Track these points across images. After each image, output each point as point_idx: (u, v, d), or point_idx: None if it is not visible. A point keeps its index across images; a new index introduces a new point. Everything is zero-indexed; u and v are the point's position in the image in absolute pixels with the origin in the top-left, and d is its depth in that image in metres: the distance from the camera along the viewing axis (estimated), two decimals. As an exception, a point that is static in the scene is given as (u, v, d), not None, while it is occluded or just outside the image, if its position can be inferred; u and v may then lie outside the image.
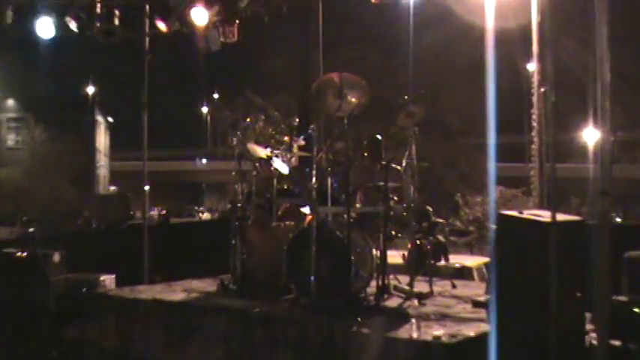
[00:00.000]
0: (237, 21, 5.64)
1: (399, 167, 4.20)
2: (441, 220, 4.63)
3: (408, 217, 4.14)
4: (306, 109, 6.60)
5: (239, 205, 4.49)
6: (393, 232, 4.27)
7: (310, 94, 4.42)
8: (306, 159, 4.50)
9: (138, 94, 5.78)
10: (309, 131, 4.15)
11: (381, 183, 4.08)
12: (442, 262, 4.53)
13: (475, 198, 10.36)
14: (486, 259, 5.62)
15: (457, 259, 5.55)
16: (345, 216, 3.87)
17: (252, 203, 4.50)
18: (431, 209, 4.54)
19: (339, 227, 3.93)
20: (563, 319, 2.91)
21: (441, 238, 4.36)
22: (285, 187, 4.56)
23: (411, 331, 3.24)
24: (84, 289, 4.89)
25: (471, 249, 9.10)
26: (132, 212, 6.66)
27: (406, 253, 4.28)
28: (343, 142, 4.03)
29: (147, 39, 5.80)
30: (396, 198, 4.26)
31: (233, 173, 4.53)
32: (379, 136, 4.24)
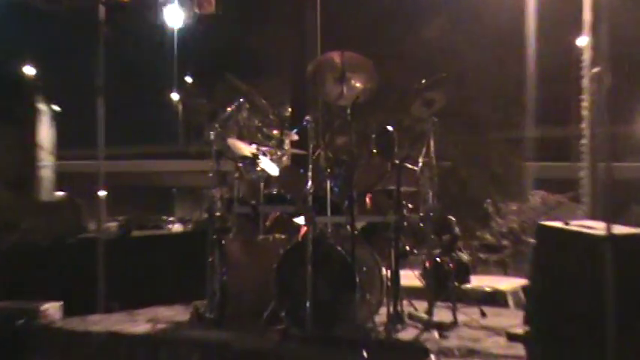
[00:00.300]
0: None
1: (414, 167, 4.24)
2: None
3: (426, 229, 4.17)
4: (301, 96, 6.64)
5: (218, 214, 4.52)
6: (408, 248, 4.30)
7: (305, 77, 4.46)
8: (301, 157, 4.54)
9: (91, 76, 5.79)
10: (305, 123, 4.18)
11: (393, 187, 4.12)
12: (469, 285, 4.56)
13: (510, 205, 10.40)
14: (524, 282, 5.65)
15: (488, 281, 5.58)
16: (349, 227, 3.90)
17: (234, 212, 4.53)
18: (454, 219, 4.57)
19: (340, 241, 3.96)
20: (624, 359, 2.92)
21: (463, 255, 4.39)
22: (275, 192, 4.59)
23: (429, 369, 3.27)
24: (21, 321, 4.88)
25: (504, 268, 9.13)
26: (83, 223, 6.66)
27: (423, 272, 4.31)
28: (346, 136, 4.07)
29: (101, 8, 5.82)
30: (410, 205, 4.30)
31: (210, 175, 4.56)
32: (390, 129, 4.27)
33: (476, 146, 11.87)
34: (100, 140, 5.66)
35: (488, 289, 5.37)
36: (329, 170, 4.21)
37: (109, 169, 5.81)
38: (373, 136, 4.28)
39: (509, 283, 5.76)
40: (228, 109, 4.69)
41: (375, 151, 4.26)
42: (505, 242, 9.78)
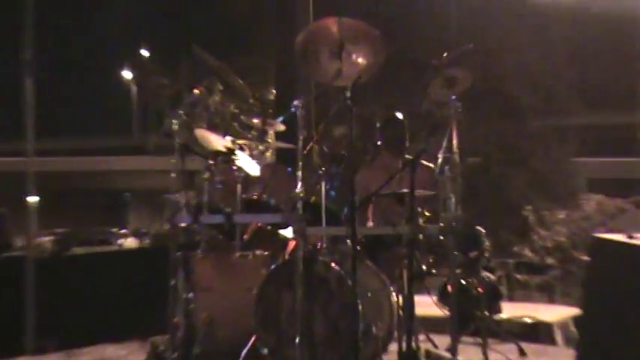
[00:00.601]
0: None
1: (432, 165, 4.27)
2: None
3: (448, 243, 4.20)
4: (288, 75, 6.68)
5: (183, 225, 4.53)
6: (424, 267, 4.33)
7: (294, 51, 4.48)
8: (288, 153, 4.56)
9: (17, 50, 5.80)
10: (293, 109, 4.21)
11: (405, 189, 4.15)
12: (503, 315, 4.59)
13: (556, 213, 10.45)
14: (575, 311, 5.69)
15: (528, 310, 5.62)
16: (349, 241, 3.92)
17: (204, 222, 4.55)
18: (483, 231, 4.60)
19: (338, 259, 3.99)
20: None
21: (489, 275, 4.42)
22: (255, 197, 4.61)
23: (452, 422, 3.29)
24: None
25: (550, 294, 9.19)
26: (7, 238, 6.66)
27: (444, 298, 4.34)
28: (345, 126, 4.09)
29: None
30: (428, 213, 4.33)
31: (173, 175, 4.58)
32: (401, 116, 4.30)
33: (512, 137, 11.88)
34: (29, 131, 5.68)
35: (528, 321, 5.41)
36: (324, 169, 4.23)
37: (41, 169, 5.82)
38: (379, 125, 4.31)
39: (555, 313, 5.81)
40: (196, 91, 4.71)
41: (381, 144, 4.29)
42: (550, 260, 9.82)
